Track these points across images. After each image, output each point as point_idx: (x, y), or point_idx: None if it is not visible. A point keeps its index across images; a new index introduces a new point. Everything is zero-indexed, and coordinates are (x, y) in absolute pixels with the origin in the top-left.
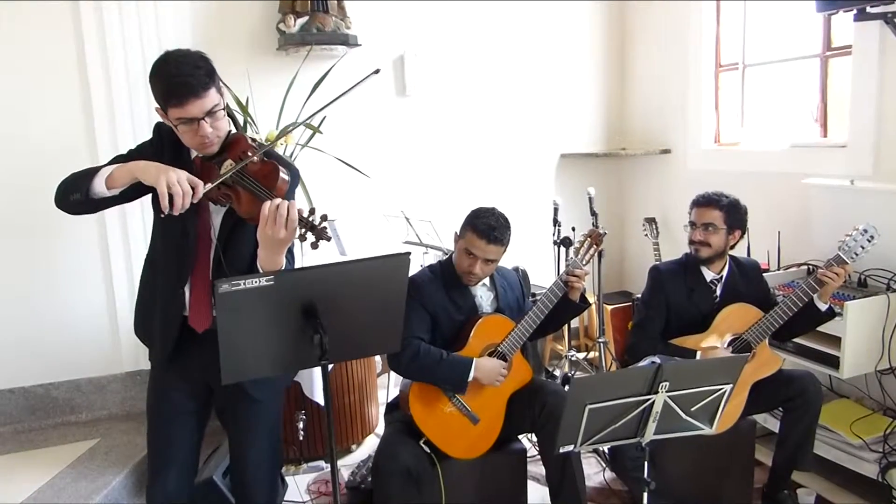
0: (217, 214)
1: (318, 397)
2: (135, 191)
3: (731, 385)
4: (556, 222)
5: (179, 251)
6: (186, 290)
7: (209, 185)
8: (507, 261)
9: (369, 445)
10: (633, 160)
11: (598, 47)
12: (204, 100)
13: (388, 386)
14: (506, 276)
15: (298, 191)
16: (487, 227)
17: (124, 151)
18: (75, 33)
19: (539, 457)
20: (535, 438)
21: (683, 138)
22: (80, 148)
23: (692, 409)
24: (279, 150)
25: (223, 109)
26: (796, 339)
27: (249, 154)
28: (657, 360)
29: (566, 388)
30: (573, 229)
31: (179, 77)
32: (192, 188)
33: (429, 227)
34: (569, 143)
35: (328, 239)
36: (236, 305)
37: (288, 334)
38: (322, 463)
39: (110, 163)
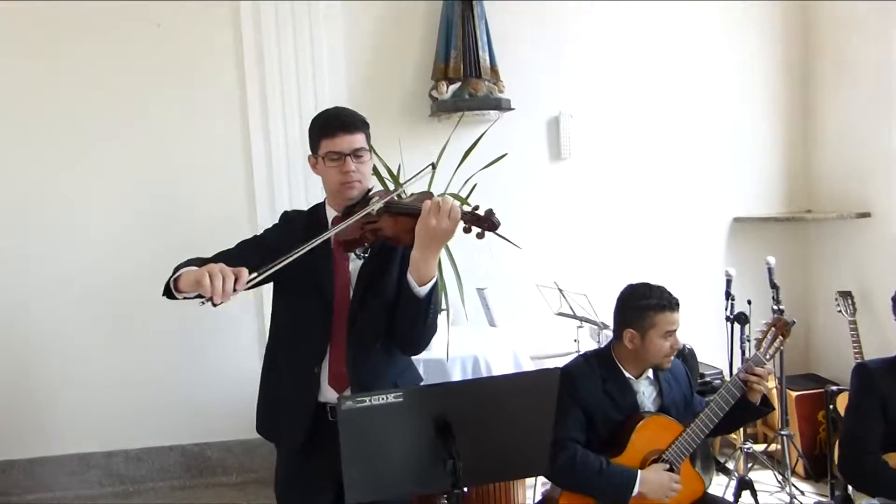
0: (354, 270)
1: None
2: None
3: None
4: (728, 295)
5: (317, 312)
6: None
7: (306, 247)
8: None
9: None
10: (822, 225)
11: (775, 92)
12: (354, 136)
13: None
14: (671, 367)
15: (444, 260)
16: (667, 297)
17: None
18: (241, 118)
19: None
20: None
21: (887, 198)
22: (241, 215)
23: None
24: None
25: (368, 155)
26: None
27: (393, 196)
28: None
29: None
30: (749, 303)
31: (337, 115)
32: (236, 276)
33: (583, 300)
34: (743, 206)
35: (497, 225)
36: (360, 422)
37: (418, 455)
38: None
39: (236, 247)
